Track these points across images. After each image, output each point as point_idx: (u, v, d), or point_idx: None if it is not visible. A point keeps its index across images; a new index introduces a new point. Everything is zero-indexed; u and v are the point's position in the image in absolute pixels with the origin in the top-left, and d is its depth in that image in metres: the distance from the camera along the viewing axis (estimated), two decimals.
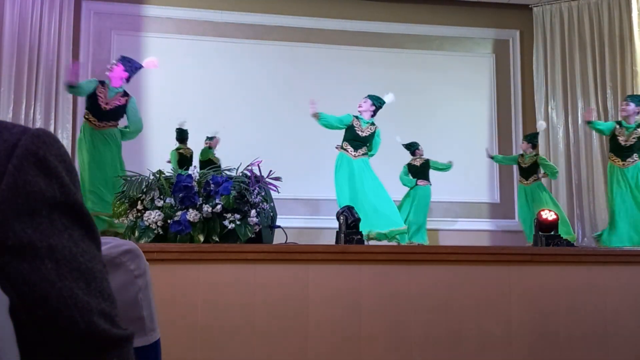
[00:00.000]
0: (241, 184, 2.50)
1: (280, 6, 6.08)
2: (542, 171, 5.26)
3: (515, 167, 6.29)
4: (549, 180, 5.68)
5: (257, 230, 2.49)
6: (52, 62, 5.54)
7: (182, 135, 5.27)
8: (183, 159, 5.10)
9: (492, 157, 5.51)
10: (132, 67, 4.03)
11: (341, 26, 6.17)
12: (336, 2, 6.17)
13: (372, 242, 4.13)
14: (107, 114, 3.90)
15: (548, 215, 2.77)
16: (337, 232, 2.93)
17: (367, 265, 2.15)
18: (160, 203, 2.43)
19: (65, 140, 5.48)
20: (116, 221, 2.72)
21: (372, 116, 4.48)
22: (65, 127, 5.57)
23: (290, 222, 4.36)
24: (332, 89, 5.89)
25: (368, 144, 4.48)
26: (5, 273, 0.39)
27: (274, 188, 2.71)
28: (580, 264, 2.31)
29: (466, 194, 5.52)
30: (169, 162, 5.04)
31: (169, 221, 2.40)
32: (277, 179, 2.72)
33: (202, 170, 2.65)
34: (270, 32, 6.08)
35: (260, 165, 2.69)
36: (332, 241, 3.37)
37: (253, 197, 2.50)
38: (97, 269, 0.44)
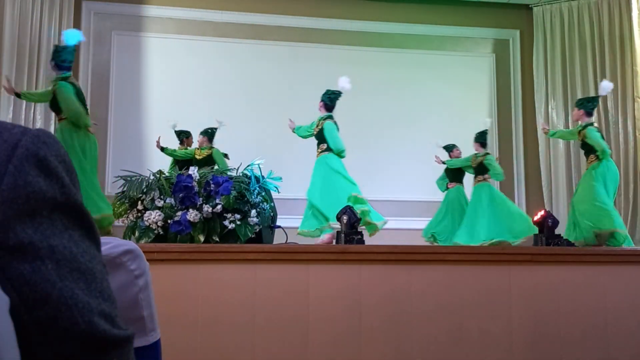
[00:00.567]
0: (241, 184, 2.50)
1: (281, 6, 6.08)
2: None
3: (515, 167, 6.29)
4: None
5: (258, 230, 2.49)
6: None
7: (179, 136, 5.27)
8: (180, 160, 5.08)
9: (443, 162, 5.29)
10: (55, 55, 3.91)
11: (341, 26, 6.17)
12: (336, 2, 6.17)
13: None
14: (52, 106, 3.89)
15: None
16: (337, 232, 2.93)
17: (367, 265, 2.15)
18: (160, 203, 2.43)
19: None
20: (117, 221, 2.71)
21: (327, 110, 4.46)
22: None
23: (291, 222, 4.35)
24: (332, 89, 5.88)
25: (324, 141, 4.42)
26: (6, 273, 0.39)
27: (274, 188, 2.71)
28: (580, 263, 2.31)
29: (467, 193, 5.50)
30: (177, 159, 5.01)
31: (169, 221, 2.40)
32: (278, 179, 2.73)
33: (201, 171, 2.66)
34: (270, 32, 6.08)
35: (260, 165, 2.69)
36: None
37: (253, 197, 2.50)
38: (97, 270, 0.44)
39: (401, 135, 6.01)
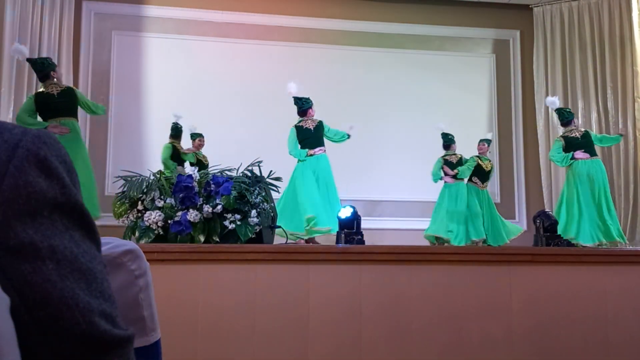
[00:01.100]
0: (242, 184, 2.50)
1: (281, 6, 6.09)
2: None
3: (515, 167, 6.29)
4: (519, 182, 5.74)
5: (258, 230, 2.49)
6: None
7: (177, 132, 5.23)
8: (176, 153, 5.07)
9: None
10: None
11: (342, 26, 6.17)
12: (336, 3, 6.17)
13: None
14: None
15: None
16: (337, 232, 2.93)
17: (367, 266, 2.15)
18: (160, 203, 2.43)
19: None
20: (117, 221, 2.71)
21: (300, 115, 4.55)
22: None
23: None
24: (333, 89, 5.89)
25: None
26: (7, 273, 0.39)
27: (274, 188, 2.71)
28: (580, 264, 2.31)
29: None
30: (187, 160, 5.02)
31: (169, 221, 2.40)
32: (278, 179, 2.73)
33: (202, 171, 2.66)
34: (270, 32, 6.08)
35: (260, 165, 2.69)
36: (333, 241, 3.36)
37: (253, 197, 2.50)
38: (97, 270, 0.44)
39: (401, 135, 6.01)
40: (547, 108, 6.24)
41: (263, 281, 2.06)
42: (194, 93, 5.84)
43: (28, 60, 4.01)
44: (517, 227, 5.08)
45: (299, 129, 4.49)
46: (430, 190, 5.25)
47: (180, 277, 2.03)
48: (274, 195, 2.81)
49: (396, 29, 6.25)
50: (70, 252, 0.42)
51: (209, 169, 2.97)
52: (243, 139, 5.53)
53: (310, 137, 4.45)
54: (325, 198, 4.27)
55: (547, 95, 6.23)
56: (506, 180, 6.24)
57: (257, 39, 6.05)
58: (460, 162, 5.10)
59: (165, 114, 5.73)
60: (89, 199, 3.64)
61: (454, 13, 6.32)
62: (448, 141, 5.18)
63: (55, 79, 3.87)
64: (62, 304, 0.41)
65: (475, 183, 5.04)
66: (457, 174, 4.98)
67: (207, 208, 2.40)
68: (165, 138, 5.27)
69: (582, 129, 4.69)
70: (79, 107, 3.97)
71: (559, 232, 3.25)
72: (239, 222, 2.43)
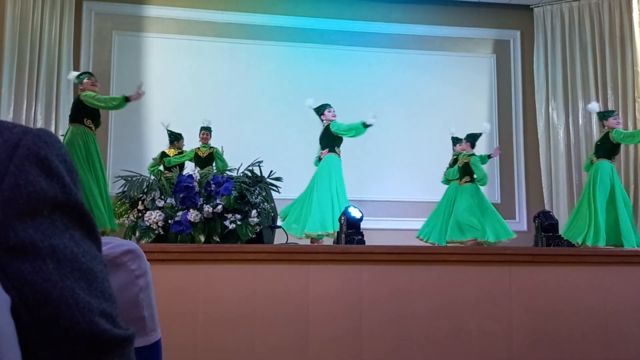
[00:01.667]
0: (242, 184, 2.50)
1: (281, 6, 6.08)
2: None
3: (516, 168, 6.29)
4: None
5: (258, 230, 2.49)
6: (53, 62, 5.54)
7: (170, 138, 5.26)
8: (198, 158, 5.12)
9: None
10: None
11: (342, 27, 6.17)
12: (337, 3, 6.17)
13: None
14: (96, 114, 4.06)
15: None
16: (337, 232, 2.93)
17: (368, 266, 2.15)
18: (161, 203, 2.43)
19: None
20: (117, 221, 2.72)
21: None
22: (66, 127, 5.57)
23: None
24: (333, 89, 5.89)
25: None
26: (7, 273, 0.39)
27: (275, 188, 2.71)
28: (580, 264, 2.31)
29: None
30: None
31: (169, 221, 2.40)
32: (278, 179, 2.73)
33: (202, 171, 2.66)
34: (270, 32, 6.08)
35: (261, 165, 2.69)
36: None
37: (254, 197, 2.50)
38: (98, 269, 0.44)
39: (401, 135, 6.01)
40: (547, 108, 6.24)
41: (263, 281, 2.06)
42: (194, 93, 5.84)
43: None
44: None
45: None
46: (431, 191, 5.26)
47: (180, 277, 2.03)
48: (276, 195, 2.81)
49: (396, 29, 6.25)
50: (71, 252, 0.42)
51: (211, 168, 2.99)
52: (243, 139, 5.53)
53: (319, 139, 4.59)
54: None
55: (547, 95, 6.23)
56: (506, 180, 6.24)
57: (257, 39, 6.05)
58: (456, 162, 5.08)
59: (166, 114, 5.73)
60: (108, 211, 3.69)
61: (454, 13, 6.32)
62: (455, 143, 5.17)
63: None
64: (62, 304, 0.40)
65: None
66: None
67: (207, 208, 2.40)
68: (165, 138, 5.28)
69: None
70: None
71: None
72: (239, 222, 2.43)
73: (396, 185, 5.84)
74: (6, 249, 0.39)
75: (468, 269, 2.21)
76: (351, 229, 2.70)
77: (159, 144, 5.52)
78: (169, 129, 5.22)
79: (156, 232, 2.40)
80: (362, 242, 2.64)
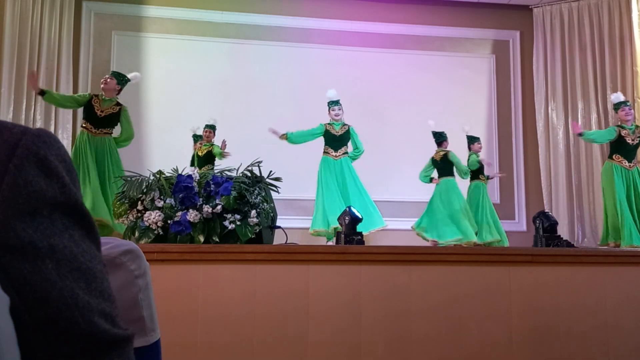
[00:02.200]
0: (241, 185, 2.50)
1: (281, 7, 6.09)
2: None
3: (515, 168, 6.29)
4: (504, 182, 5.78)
5: (258, 230, 2.49)
6: (53, 62, 5.54)
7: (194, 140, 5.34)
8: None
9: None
10: (122, 80, 4.37)
11: (342, 27, 6.18)
12: (337, 3, 6.17)
13: None
14: (102, 121, 4.19)
15: None
16: (337, 232, 2.94)
17: (367, 266, 2.15)
18: (160, 203, 2.43)
19: (65, 140, 5.48)
20: (117, 221, 2.72)
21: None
22: (66, 127, 5.57)
23: (291, 223, 4.36)
24: (333, 89, 5.88)
25: (345, 144, 4.75)
26: (6, 273, 0.39)
27: (274, 188, 2.71)
28: (580, 264, 2.31)
29: (466, 194, 5.50)
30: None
31: (169, 221, 2.40)
32: (278, 179, 2.73)
33: (202, 171, 2.66)
34: (270, 32, 6.08)
35: (260, 165, 2.69)
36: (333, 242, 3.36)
37: (253, 197, 2.50)
38: (97, 269, 0.44)
39: (401, 135, 6.01)
40: (546, 108, 6.24)
41: (263, 281, 2.06)
42: (193, 93, 5.84)
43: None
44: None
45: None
46: (431, 191, 5.25)
47: (179, 278, 2.03)
48: (275, 195, 2.81)
49: (396, 29, 6.26)
50: (70, 252, 0.42)
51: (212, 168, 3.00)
52: (243, 139, 5.53)
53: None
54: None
55: (547, 95, 6.23)
56: (506, 180, 6.24)
57: (257, 39, 6.05)
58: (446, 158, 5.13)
59: (165, 114, 5.73)
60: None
61: (454, 14, 6.32)
62: (440, 139, 5.20)
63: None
64: (61, 303, 0.40)
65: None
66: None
67: (206, 208, 2.40)
68: (165, 138, 5.28)
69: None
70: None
71: None
72: (238, 223, 2.43)
73: (396, 185, 5.85)
74: (5, 249, 0.39)
75: (468, 269, 2.21)
76: (352, 229, 2.70)
77: (158, 144, 5.52)
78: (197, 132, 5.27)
79: (155, 232, 2.40)
80: (361, 242, 2.64)
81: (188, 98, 5.80)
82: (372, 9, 6.22)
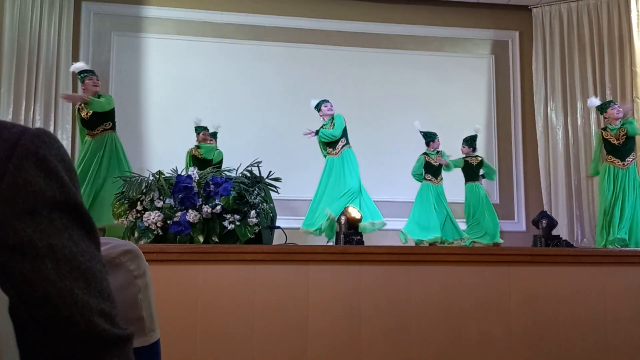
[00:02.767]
0: (241, 185, 2.50)
1: (280, 7, 6.09)
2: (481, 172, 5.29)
3: (515, 168, 6.29)
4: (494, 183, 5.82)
5: (257, 230, 2.49)
6: (52, 62, 5.54)
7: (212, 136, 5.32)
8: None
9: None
10: (80, 76, 4.27)
11: (341, 27, 6.18)
12: (336, 3, 6.17)
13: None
14: (91, 121, 4.16)
15: None
16: (337, 232, 2.94)
17: (367, 266, 2.15)
18: (159, 204, 2.43)
19: (64, 140, 5.48)
20: (116, 222, 2.72)
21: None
22: (65, 127, 5.57)
23: (290, 223, 4.36)
24: (332, 90, 5.89)
25: (341, 137, 4.75)
26: (6, 272, 0.39)
27: (274, 188, 2.71)
28: (579, 264, 2.31)
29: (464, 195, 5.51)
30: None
31: (168, 222, 2.40)
32: (277, 179, 2.73)
33: (201, 171, 2.66)
34: (270, 32, 6.08)
35: (260, 166, 2.69)
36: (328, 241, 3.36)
37: (253, 197, 2.50)
38: (96, 269, 0.44)
39: (400, 135, 6.00)
40: (546, 109, 6.24)
41: (262, 281, 2.06)
42: (193, 93, 5.84)
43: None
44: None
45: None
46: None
47: (179, 278, 2.02)
48: (275, 195, 2.81)
49: (395, 29, 6.26)
50: (69, 251, 0.42)
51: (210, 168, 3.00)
52: (242, 140, 5.53)
53: None
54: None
55: (546, 95, 6.23)
56: (505, 181, 6.24)
57: (257, 39, 6.05)
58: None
59: (164, 115, 5.73)
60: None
61: (453, 14, 6.32)
62: (428, 139, 5.26)
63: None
64: (60, 303, 0.40)
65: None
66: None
67: (206, 208, 2.40)
68: (164, 139, 5.28)
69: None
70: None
71: None
72: (238, 223, 2.43)
73: (394, 186, 5.84)
74: (5, 249, 0.39)
75: (467, 269, 2.21)
76: (351, 229, 2.70)
77: (157, 144, 5.52)
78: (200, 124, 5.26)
79: (155, 232, 2.40)
80: (361, 242, 2.64)
81: (187, 98, 5.80)
82: (371, 9, 6.22)
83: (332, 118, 4.76)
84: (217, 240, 2.40)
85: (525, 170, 6.28)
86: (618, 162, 4.45)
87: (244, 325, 2.02)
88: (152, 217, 2.39)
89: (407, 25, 6.25)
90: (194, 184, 2.46)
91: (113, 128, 4.24)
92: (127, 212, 2.51)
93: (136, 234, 2.42)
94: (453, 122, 5.87)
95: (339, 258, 2.16)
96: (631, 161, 4.47)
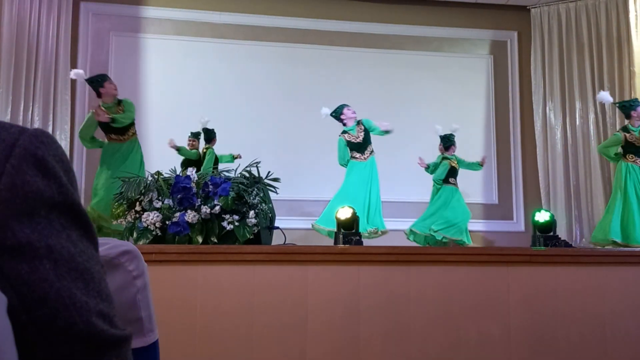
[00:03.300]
0: (240, 185, 2.50)
1: (279, 7, 6.09)
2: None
3: (513, 168, 6.30)
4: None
5: (256, 231, 2.49)
6: (51, 63, 5.53)
7: (208, 135, 5.31)
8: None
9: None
10: (91, 82, 4.28)
11: (339, 27, 6.18)
12: (334, 4, 6.18)
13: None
14: (119, 128, 4.23)
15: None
16: (335, 233, 2.94)
17: (366, 266, 2.16)
18: (158, 204, 2.43)
19: (63, 141, 5.47)
20: (115, 222, 2.72)
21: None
22: (64, 128, 5.56)
23: (289, 223, 4.36)
24: (330, 90, 5.89)
25: (369, 143, 4.73)
26: (4, 273, 0.39)
27: (273, 189, 2.71)
28: (578, 264, 2.31)
29: (464, 195, 5.51)
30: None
31: (167, 222, 2.40)
32: (276, 179, 2.73)
33: (200, 172, 2.66)
34: (268, 33, 6.08)
35: (258, 166, 2.69)
36: (331, 242, 3.36)
37: (251, 198, 2.50)
38: (95, 269, 0.44)
39: (399, 136, 6.00)
40: (544, 109, 6.25)
41: (261, 282, 2.06)
42: (191, 94, 5.83)
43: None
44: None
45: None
46: (428, 191, 5.26)
47: (178, 278, 2.02)
48: (273, 196, 2.81)
49: (394, 30, 6.26)
50: (68, 252, 0.42)
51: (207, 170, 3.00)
52: (241, 140, 5.53)
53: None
54: None
55: (544, 95, 6.24)
56: (504, 181, 6.25)
57: (255, 39, 6.05)
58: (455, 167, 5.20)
59: (163, 115, 5.73)
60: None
61: (452, 14, 6.33)
62: (448, 143, 5.20)
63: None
64: (59, 304, 0.40)
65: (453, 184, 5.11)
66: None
67: (205, 209, 2.40)
68: (163, 139, 5.27)
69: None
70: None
71: None
72: (237, 223, 2.43)
73: (393, 186, 5.84)
74: (3, 249, 0.39)
75: (466, 269, 2.22)
76: (350, 229, 2.70)
77: (156, 145, 5.51)
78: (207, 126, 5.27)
79: (154, 233, 2.40)
80: (359, 242, 2.64)
81: (185, 99, 5.79)
82: (370, 9, 6.22)
83: (359, 122, 4.71)
84: (216, 240, 2.40)
85: (524, 170, 6.29)
86: (639, 160, 4.48)
87: (243, 326, 2.02)
88: (151, 218, 2.39)
89: (406, 26, 6.26)
90: (193, 185, 2.46)
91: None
92: (126, 212, 2.51)
93: (135, 235, 2.42)
94: (451, 122, 5.87)
95: (338, 258, 2.16)
96: None
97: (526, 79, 6.36)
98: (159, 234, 2.41)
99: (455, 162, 5.14)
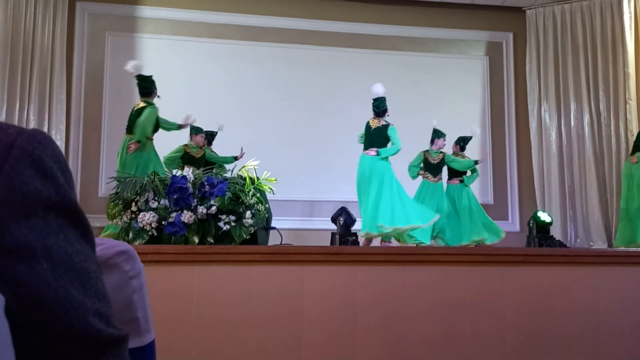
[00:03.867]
0: (236, 186, 2.50)
1: (276, 8, 6.09)
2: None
3: (509, 169, 6.32)
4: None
5: (252, 231, 2.49)
6: (46, 63, 5.51)
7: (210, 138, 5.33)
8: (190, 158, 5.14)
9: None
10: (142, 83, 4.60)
11: (336, 28, 6.19)
12: (332, 4, 6.18)
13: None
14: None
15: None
16: (332, 233, 2.94)
17: (362, 266, 2.16)
18: (154, 204, 2.43)
19: (58, 141, 5.45)
20: (111, 222, 2.71)
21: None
22: (59, 128, 5.54)
23: (286, 224, 4.36)
24: (328, 91, 5.90)
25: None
26: (1, 273, 0.40)
27: (269, 189, 2.71)
28: (572, 264, 2.32)
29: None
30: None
31: (163, 222, 2.40)
32: (272, 180, 2.73)
33: (197, 172, 2.66)
34: (265, 33, 6.08)
35: (255, 166, 2.69)
36: (328, 242, 3.37)
37: (248, 198, 2.50)
38: (92, 270, 0.45)
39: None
40: (539, 110, 6.27)
41: (258, 282, 2.06)
42: (188, 94, 5.82)
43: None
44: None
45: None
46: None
47: (174, 278, 2.02)
48: (270, 196, 2.81)
49: (390, 30, 6.27)
50: (65, 252, 0.42)
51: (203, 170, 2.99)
52: (238, 141, 5.52)
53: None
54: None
55: (539, 96, 6.27)
56: (499, 181, 6.27)
57: (253, 40, 6.05)
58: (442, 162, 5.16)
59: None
60: None
61: (448, 15, 6.35)
62: (437, 136, 5.19)
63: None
64: (56, 304, 0.41)
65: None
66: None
67: (201, 209, 2.40)
68: (161, 139, 5.26)
69: None
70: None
71: None
72: (233, 223, 2.43)
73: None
74: (0, 250, 0.40)
75: (461, 269, 2.22)
76: (348, 229, 2.71)
77: (155, 145, 5.49)
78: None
79: (150, 233, 2.40)
80: (356, 242, 2.65)
81: (182, 99, 5.78)
82: (366, 10, 6.23)
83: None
84: (212, 241, 2.40)
85: (519, 171, 6.32)
86: None
87: (240, 325, 2.02)
88: (147, 218, 2.39)
89: (402, 27, 6.27)
90: (189, 185, 2.46)
91: None
92: (122, 212, 2.50)
93: (131, 235, 2.42)
94: (447, 123, 5.88)
95: (335, 259, 2.16)
96: None
97: (521, 80, 6.38)
98: (155, 234, 2.41)
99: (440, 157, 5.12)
